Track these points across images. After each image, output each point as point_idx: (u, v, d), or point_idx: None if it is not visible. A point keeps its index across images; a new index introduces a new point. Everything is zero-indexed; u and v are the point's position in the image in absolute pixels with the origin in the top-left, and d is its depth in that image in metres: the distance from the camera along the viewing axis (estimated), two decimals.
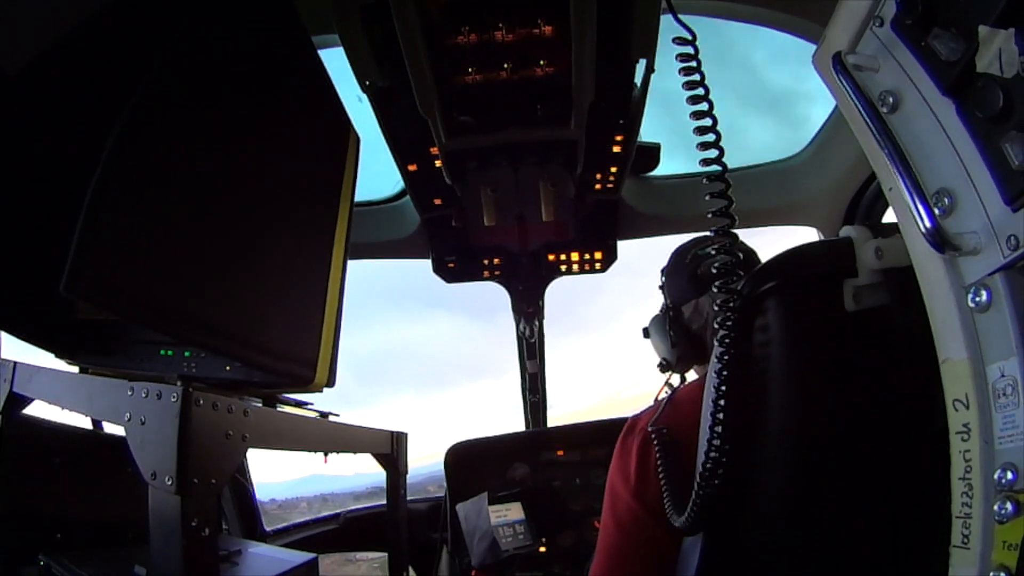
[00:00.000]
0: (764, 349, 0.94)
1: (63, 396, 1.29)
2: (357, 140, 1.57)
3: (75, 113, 1.08)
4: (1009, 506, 0.57)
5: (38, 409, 1.40)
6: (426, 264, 2.64)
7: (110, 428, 1.60)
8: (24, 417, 1.38)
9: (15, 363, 1.37)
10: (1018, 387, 0.58)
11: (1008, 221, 0.57)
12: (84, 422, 1.57)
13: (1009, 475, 0.58)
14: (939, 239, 0.63)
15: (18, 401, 1.36)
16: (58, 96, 1.07)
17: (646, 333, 1.62)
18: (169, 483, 0.89)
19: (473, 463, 2.74)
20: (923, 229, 0.65)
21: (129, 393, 1.00)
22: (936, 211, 0.65)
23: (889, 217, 0.79)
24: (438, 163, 1.98)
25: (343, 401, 1.50)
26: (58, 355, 1.33)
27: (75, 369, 1.37)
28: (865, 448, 0.88)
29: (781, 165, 2.47)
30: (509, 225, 2.42)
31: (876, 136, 0.71)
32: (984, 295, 0.61)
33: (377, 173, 2.32)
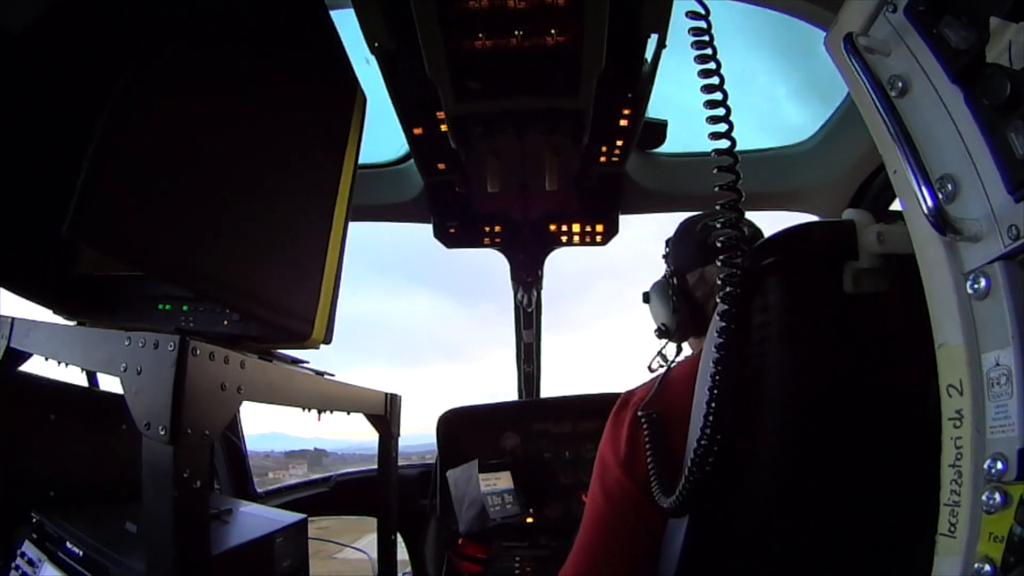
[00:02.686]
0: (763, 329, 0.94)
1: (60, 350, 1.28)
2: (364, 101, 1.56)
3: (78, 72, 1.06)
4: (998, 497, 0.58)
5: (35, 366, 1.39)
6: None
7: (106, 385, 1.61)
8: (21, 374, 1.38)
9: (13, 319, 1.36)
10: (1012, 378, 0.58)
11: (1010, 211, 0.57)
12: (80, 379, 1.57)
13: (999, 465, 0.58)
14: (941, 221, 0.64)
15: (16, 357, 1.35)
16: (61, 55, 1.05)
17: (646, 298, 1.60)
18: (163, 433, 0.89)
19: (465, 430, 2.76)
20: (926, 210, 0.65)
21: (126, 343, 0.99)
22: (940, 195, 0.65)
23: (897, 207, 0.80)
24: (443, 128, 1.97)
25: (315, 360, 1.51)
26: (56, 311, 1.32)
27: (72, 324, 1.35)
28: (858, 432, 0.89)
29: (788, 151, 2.45)
30: (512, 193, 2.41)
31: (884, 119, 0.71)
32: (983, 282, 0.62)
33: (381, 136, 2.31)
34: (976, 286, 0.62)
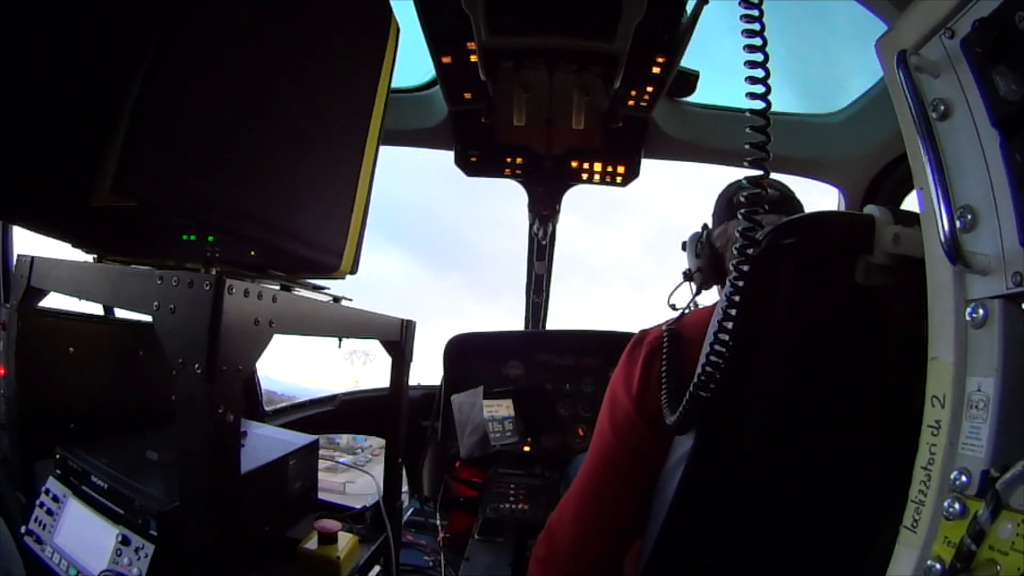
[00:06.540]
0: (774, 304, 0.97)
1: (85, 288, 1.27)
2: (398, 29, 1.53)
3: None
4: (957, 506, 0.64)
5: (50, 298, 1.37)
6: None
7: (120, 311, 1.58)
8: (40, 310, 1.36)
9: (32, 257, 1.34)
10: (989, 405, 0.63)
11: (1018, 258, 0.61)
12: (96, 308, 1.54)
13: (963, 479, 0.65)
14: (954, 251, 0.67)
15: (35, 294, 1.34)
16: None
17: (684, 245, 1.65)
18: (199, 371, 0.88)
19: (471, 356, 2.83)
20: (942, 237, 0.68)
21: (158, 282, 0.96)
22: (958, 223, 0.68)
23: (912, 198, 0.81)
24: (473, 58, 1.95)
25: None
26: (75, 244, 1.26)
27: (91, 259, 1.31)
28: (847, 412, 0.95)
29: (819, 119, 2.42)
30: (537, 127, 2.40)
31: (920, 137, 0.72)
32: (981, 313, 0.66)
33: (405, 60, 2.27)
34: (975, 315, 0.66)
